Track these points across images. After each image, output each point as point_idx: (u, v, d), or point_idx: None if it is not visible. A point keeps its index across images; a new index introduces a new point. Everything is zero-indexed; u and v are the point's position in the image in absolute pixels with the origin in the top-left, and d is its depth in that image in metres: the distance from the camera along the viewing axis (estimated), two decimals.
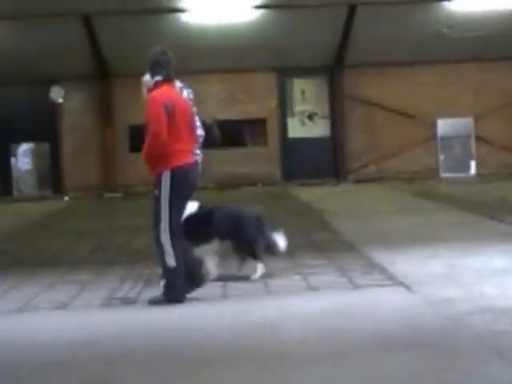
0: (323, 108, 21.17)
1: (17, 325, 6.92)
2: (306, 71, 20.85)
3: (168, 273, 7.29)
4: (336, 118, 20.89)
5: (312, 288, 7.71)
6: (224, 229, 8.35)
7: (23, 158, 19.47)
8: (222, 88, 20.62)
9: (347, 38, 19.73)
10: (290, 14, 18.95)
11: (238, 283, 8.20)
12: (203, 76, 20.39)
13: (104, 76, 19.80)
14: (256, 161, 20.62)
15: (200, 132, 8.75)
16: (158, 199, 7.20)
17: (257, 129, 20.97)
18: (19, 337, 6.51)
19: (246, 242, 8.35)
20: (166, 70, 7.37)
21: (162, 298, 7.32)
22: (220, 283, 8.25)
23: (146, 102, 8.17)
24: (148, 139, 7.20)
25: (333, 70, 20.77)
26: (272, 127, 20.85)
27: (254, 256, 8.37)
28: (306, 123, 21.16)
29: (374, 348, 5.49)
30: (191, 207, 8.26)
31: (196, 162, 7.45)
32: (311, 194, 17.80)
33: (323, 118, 21.18)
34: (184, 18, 18.65)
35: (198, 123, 8.70)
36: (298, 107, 21.16)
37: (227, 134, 21.05)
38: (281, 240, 8.55)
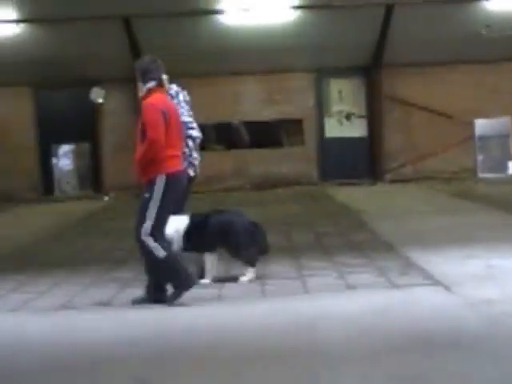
0: (360, 108, 21.18)
1: (61, 322, 7.04)
2: (343, 71, 20.88)
3: (162, 265, 7.35)
4: (373, 117, 20.89)
5: (350, 287, 7.75)
6: (218, 235, 8.40)
7: (64, 158, 19.71)
8: (259, 89, 20.71)
9: (384, 38, 19.72)
10: (328, 15, 18.99)
11: (276, 281, 8.28)
12: (240, 77, 20.51)
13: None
14: (293, 161, 20.69)
15: (197, 134, 8.83)
16: (147, 201, 7.31)
17: (294, 129, 21.03)
18: (66, 335, 6.64)
19: (238, 247, 8.40)
20: (157, 77, 7.45)
21: (146, 297, 7.45)
22: (259, 281, 8.35)
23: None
24: (145, 145, 7.26)
25: (370, 70, 20.77)
26: (309, 127, 20.90)
27: (245, 261, 8.41)
28: (344, 123, 21.18)
29: (413, 348, 5.50)
30: (181, 222, 8.36)
31: (185, 169, 7.73)
32: (348, 194, 17.80)
33: (360, 117, 21.19)
34: (221, 19, 18.79)
35: (195, 125, 8.78)
36: (335, 107, 21.18)
37: (264, 135, 21.20)
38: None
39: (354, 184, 19.97)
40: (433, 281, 7.74)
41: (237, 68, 20.16)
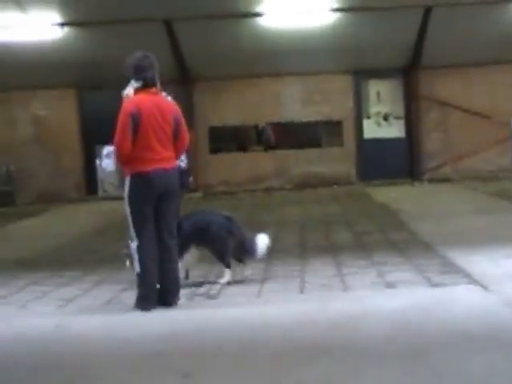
0: (398, 109, 21.18)
1: (105, 319, 7.16)
2: (381, 73, 20.89)
3: (136, 278, 7.41)
4: (411, 118, 20.88)
5: (389, 285, 7.80)
6: (195, 236, 8.35)
7: (107, 159, 19.97)
8: (298, 90, 20.80)
9: (423, 40, 19.71)
10: (366, 17, 19.01)
11: (315, 279, 8.37)
12: (280, 79, 20.62)
13: (185, 80, 20.23)
14: (332, 161, 20.74)
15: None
16: (125, 203, 7.38)
17: (333, 130, 21.09)
18: (110, 331, 6.76)
19: (214, 248, 8.36)
20: (148, 74, 7.35)
21: (135, 303, 7.42)
22: (299, 279, 8.46)
23: None
24: (114, 147, 7.34)
25: (408, 71, 20.77)
26: (348, 128, 20.95)
27: (222, 262, 8.38)
28: (382, 124, 21.20)
29: (454, 345, 5.54)
30: None
31: (167, 169, 7.35)
32: (386, 193, 17.80)
33: (398, 118, 21.19)
34: (261, 22, 18.91)
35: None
36: (374, 108, 21.21)
37: (304, 136, 21.31)
38: (261, 244, 8.47)
39: (392, 184, 19.98)
40: (471, 280, 7.75)
41: (277, 70, 20.27)
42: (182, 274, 8.28)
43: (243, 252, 8.53)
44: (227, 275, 8.38)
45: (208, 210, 9.17)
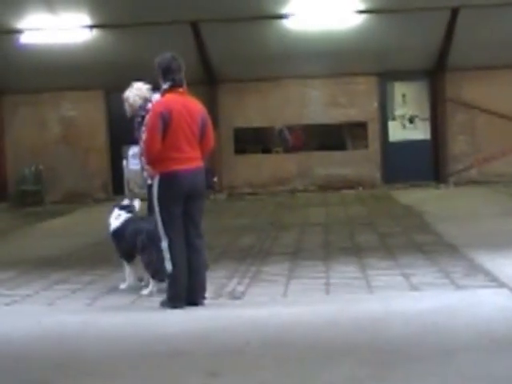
0: (424, 111, 21.12)
1: (131, 318, 7.23)
2: (407, 75, 20.85)
3: (167, 278, 7.48)
4: (437, 121, 20.82)
5: (414, 287, 7.80)
6: (132, 242, 8.28)
7: (132, 159, 20.08)
8: (323, 92, 20.81)
9: (449, 41, 19.64)
10: (392, 19, 18.97)
11: (340, 280, 8.40)
12: (305, 81, 20.63)
13: (210, 81, 20.32)
14: (356, 163, 20.72)
15: None
16: (154, 203, 7.43)
17: (358, 132, 21.08)
18: (136, 330, 6.81)
19: (142, 257, 8.24)
20: (176, 77, 7.40)
21: (166, 301, 7.46)
22: (323, 280, 8.49)
23: (130, 117, 8.79)
24: (144, 147, 7.42)
25: (434, 73, 20.71)
26: (373, 130, 20.93)
27: (149, 272, 8.22)
28: (407, 126, 21.16)
29: (480, 348, 5.54)
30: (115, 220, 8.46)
31: (194, 169, 7.41)
32: (412, 196, 17.76)
33: (424, 121, 21.14)
34: (287, 24, 18.94)
35: None
36: (399, 110, 21.17)
37: (328, 138, 21.32)
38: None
39: (417, 186, 19.94)
40: (497, 283, 7.73)
41: (302, 71, 20.29)
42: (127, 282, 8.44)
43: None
44: (151, 285, 8.21)
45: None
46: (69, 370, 5.65)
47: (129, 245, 8.32)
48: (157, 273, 7.97)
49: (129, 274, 8.56)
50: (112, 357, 5.94)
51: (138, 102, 8.84)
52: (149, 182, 7.95)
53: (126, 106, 8.90)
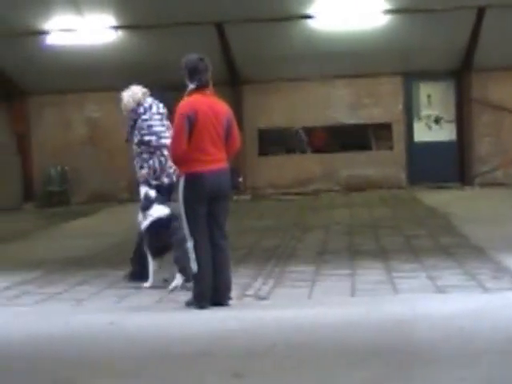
0: (449, 112, 21.03)
1: (156, 318, 7.24)
2: (432, 75, 20.75)
3: (192, 278, 7.53)
4: (462, 122, 20.71)
5: (440, 290, 7.77)
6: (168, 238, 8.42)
7: None
8: (348, 93, 20.77)
9: (475, 41, 19.53)
10: (418, 18, 18.89)
11: (365, 283, 8.38)
12: (330, 81, 20.61)
13: (234, 82, 20.34)
14: (381, 164, 20.66)
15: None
16: (179, 203, 7.46)
17: (382, 133, 21.02)
18: (162, 330, 6.83)
19: (176, 254, 8.34)
20: (203, 78, 7.41)
21: (192, 301, 7.49)
22: (348, 282, 8.47)
23: (125, 118, 9.02)
24: (170, 148, 7.46)
25: (460, 73, 20.60)
26: (398, 131, 20.85)
27: (177, 267, 8.34)
28: (432, 127, 21.07)
29: (507, 351, 5.50)
30: (161, 211, 8.61)
31: (219, 170, 7.43)
32: (437, 197, 17.68)
33: (449, 122, 21.04)
34: (312, 24, 18.91)
35: (168, 134, 8.78)
36: (424, 111, 21.09)
37: (353, 138, 21.27)
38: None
39: (442, 188, 19.84)
40: None
41: (326, 72, 20.25)
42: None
43: None
44: (178, 279, 8.35)
45: None
46: (94, 370, 5.68)
47: (168, 240, 8.40)
48: (184, 269, 8.07)
49: (154, 272, 8.61)
50: (137, 357, 5.95)
51: (131, 104, 9.03)
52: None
53: (121, 106, 9.13)
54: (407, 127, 20.96)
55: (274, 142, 21.19)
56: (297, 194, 20.08)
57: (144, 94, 9.07)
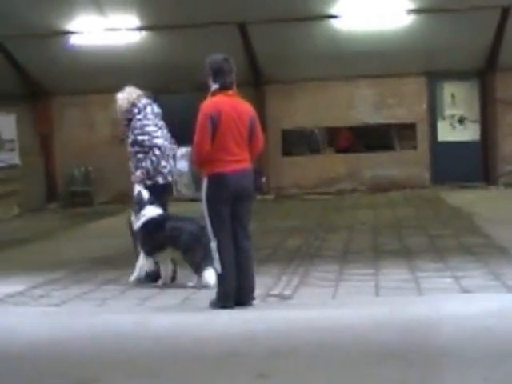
0: (473, 112, 20.92)
1: (180, 320, 7.26)
2: (456, 75, 20.64)
3: (216, 278, 7.56)
4: (487, 121, 20.59)
5: (465, 290, 7.74)
6: (172, 238, 8.65)
7: (181, 160, 20.20)
8: (371, 92, 20.71)
9: (500, 41, 19.41)
10: (441, 18, 18.80)
11: (390, 282, 8.35)
12: (353, 81, 20.56)
13: (257, 82, 20.34)
14: (405, 164, 20.59)
15: (162, 142, 9.10)
16: (202, 204, 7.47)
17: (406, 133, 20.96)
18: (186, 331, 6.87)
19: (185, 252, 8.59)
20: (227, 79, 7.40)
21: (216, 301, 7.50)
22: (373, 282, 8.45)
23: (119, 119, 9.29)
24: (193, 148, 7.44)
25: (484, 73, 20.48)
26: (422, 131, 20.77)
27: (192, 267, 8.58)
28: (456, 127, 20.98)
29: None
30: (153, 211, 8.80)
31: (242, 170, 7.43)
32: (461, 197, 17.59)
33: (473, 121, 20.93)
34: (336, 24, 18.87)
35: (159, 134, 9.10)
36: (448, 111, 21.00)
37: (377, 138, 21.22)
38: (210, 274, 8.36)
39: (466, 188, 19.74)
40: None
41: (350, 72, 20.20)
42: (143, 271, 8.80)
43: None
44: (195, 279, 8.62)
45: (187, 217, 9.33)
46: (119, 370, 5.71)
47: (164, 239, 8.63)
48: (199, 268, 8.42)
49: (142, 266, 8.81)
50: (161, 357, 5.97)
51: (125, 105, 9.18)
52: None
53: (116, 107, 9.31)
54: (431, 127, 20.88)
55: (298, 142, 21.17)
56: (321, 194, 20.05)
57: (139, 95, 9.25)
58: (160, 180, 9.12)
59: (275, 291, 8.22)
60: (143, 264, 8.85)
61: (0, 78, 20.18)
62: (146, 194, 8.94)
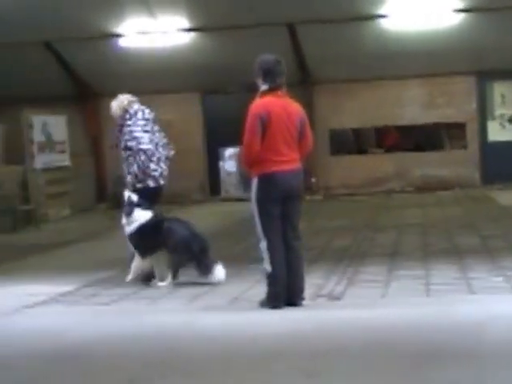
0: None
1: (231, 318, 7.30)
2: (506, 74, 20.42)
3: (266, 278, 7.52)
4: None
5: None
6: (165, 239, 8.92)
7: (229, 161, 20.29)
8: (421, 92, 20.57)
9: None
10: (490, 17, 18.60)
11: (440, 282, 8.29)
12: (401, 81, 20.43)
13: (306, 82, 20.32)
14: (454, 164, 20.42)
15: (146, 146, 9.23)
16: (252, 204, 7.47)
17: (455, 132, 20.78)
18: (236, 329, 6.90)
19: (172, 252, 8.87)
20: (278, 80, 7.39)
21: (266, 301, 7.49)
22: (423, 281, 8.40)
23: (115, 123, 9.38)
24: (242, 149, 7.45)
25: None
26: (471, 131, 20.59)
27: (172, 267, 8.91)
28: (506, 127, 20.75)
29: None
30: (144, 215, 9.02)
31: (292, 170, 7.44)
32: (511, 197, 17.40)
33: None
34: (384, 24, 18.78)
35: (145, 139, 9.25)
36: (498, 111, 20.79)
37: (426, 138, 21.07)
38: (219, 271, 8.91)
39: None
40: None
41: (398, 72, 20.09)
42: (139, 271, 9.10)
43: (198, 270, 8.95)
44: (168, 279, 8.97)
45: (182, 220, 9.57)
46: (166, 369, 5.74)
47: (158, 241, 8.93)
48: (175, 274, 8.89)
49: (138, 267, 9.07)
50: (209, 357, 6.01)
51: (118, 112, 9.50)
52: None
53: (113, 112, 9.62)
54: (481, 127, 20.68)
55: (346, 141, 21.11)
56: (369, 193, 19.96)
57: (130, 101, 9.55)
58: (151, 183, 9.37)
59: (324, 291, 8.22)
60: (139, 265, 9.10)
61: (50, 79, 20.45)
62: (135, 198, 9.15)
